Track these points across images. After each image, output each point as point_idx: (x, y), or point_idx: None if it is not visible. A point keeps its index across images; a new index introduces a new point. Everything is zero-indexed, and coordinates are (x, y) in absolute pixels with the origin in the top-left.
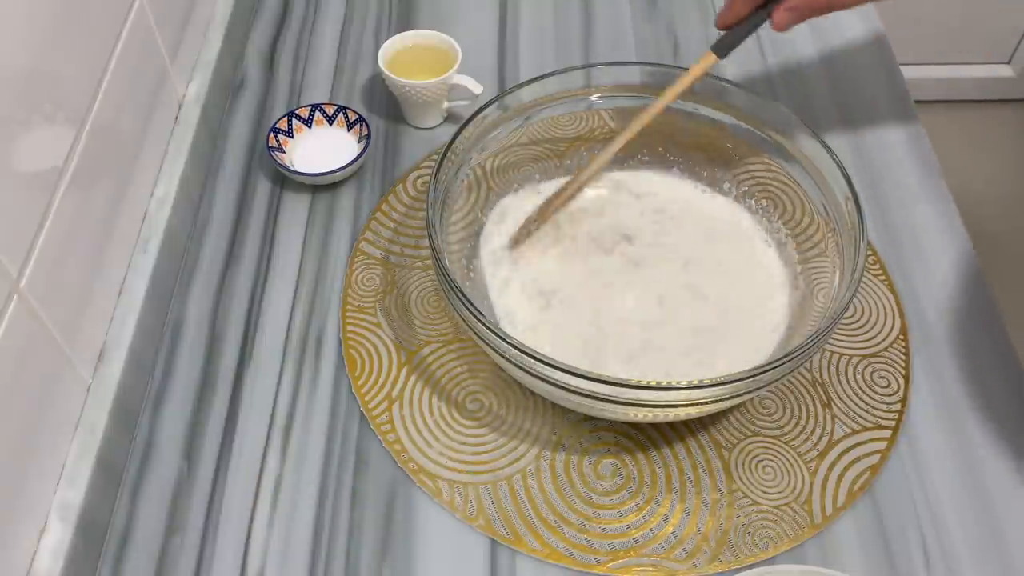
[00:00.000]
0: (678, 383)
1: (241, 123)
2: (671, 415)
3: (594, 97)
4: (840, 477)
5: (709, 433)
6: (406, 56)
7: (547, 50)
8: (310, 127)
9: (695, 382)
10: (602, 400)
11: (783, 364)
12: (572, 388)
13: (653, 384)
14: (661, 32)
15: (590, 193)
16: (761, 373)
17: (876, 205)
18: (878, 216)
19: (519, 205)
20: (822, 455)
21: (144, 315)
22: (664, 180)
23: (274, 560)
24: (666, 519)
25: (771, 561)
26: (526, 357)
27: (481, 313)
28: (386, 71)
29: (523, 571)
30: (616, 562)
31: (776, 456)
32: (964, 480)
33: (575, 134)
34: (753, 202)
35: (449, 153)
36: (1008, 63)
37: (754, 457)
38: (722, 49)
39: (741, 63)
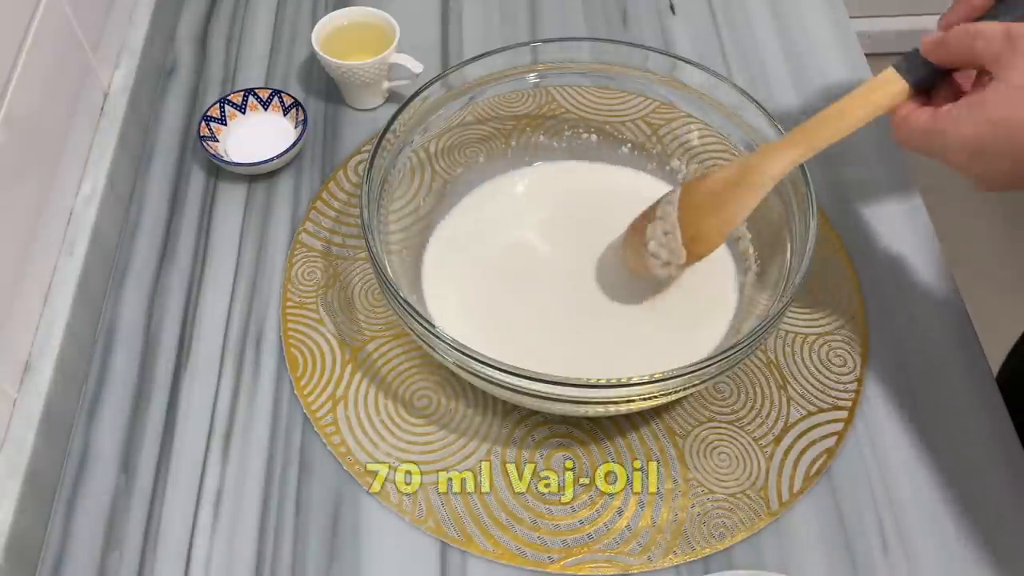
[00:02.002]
0: (627, 380)
1: (173, 111)
2: (623, 409)
3: (542, 74)
4: (796, 462)
5: (663, 420)
6: (342, 35)
7: (492, 25)
8: (244, 113)
9: (645, 377)
10: (550, 399)
11: (736, 352)
12: (519, 389)
13: (601, 382)
14: (610, 4)
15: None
16: (710, 364)
17: (831, 176)
18: (834, 188)
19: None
20: (778, 439)
21: (73, 321)
22: (607, 164)
23: (217, 572)
24: (620, 512)
25: (727, 552)
26: (472, 361)
27: (423, 317)
28: (321, 52)
29: (475, 573)
30: (569, 559)
31: (731, 442)
32: (921, 461)
33: (523, 112)
34: None
35: (385, 139)
36: None
37: (709, 444)
38: (914, 71)
39: (692, 30)
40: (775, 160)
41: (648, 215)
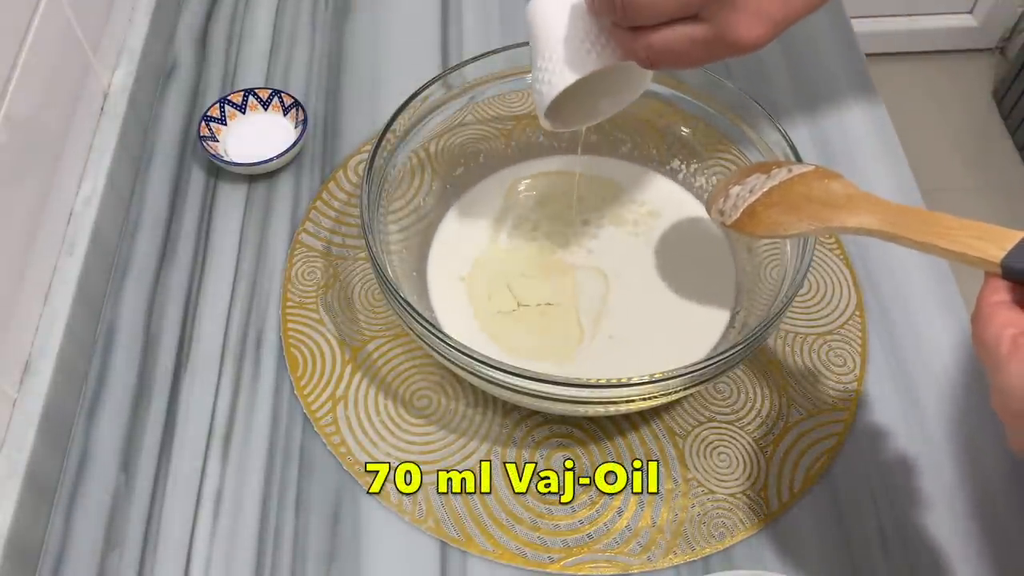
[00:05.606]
0: (627, 380)
1: (173, 111)
2: (623, 409)
3: None
4: (796, 462)
5: (663, 420)
6: None
7: (492, 25)
8: (244, 113)
9: (645, 377)
10: (550, 399)
11: (736, 352)
12: (519, 389)
13: (601, 382)
14: None
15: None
16: (710, 364)
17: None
18: None
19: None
20: (777, 440)
21: (73, 321)
22: (612, 161)
23: (217, 571)
24: (620, 512)
25: (727, 552)
26: (472, 361)
27: (423, 317)
28: None
29: (475, 572)
30: (569, 559)
31: (731, 442)
32: (921, 461)
33: (523, 112)
34: (704, 180)
35: (385, 139)
36: (970, 12)
37: (709, 444)
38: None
39: None
40: (856, 216)
41: (769, 167)
